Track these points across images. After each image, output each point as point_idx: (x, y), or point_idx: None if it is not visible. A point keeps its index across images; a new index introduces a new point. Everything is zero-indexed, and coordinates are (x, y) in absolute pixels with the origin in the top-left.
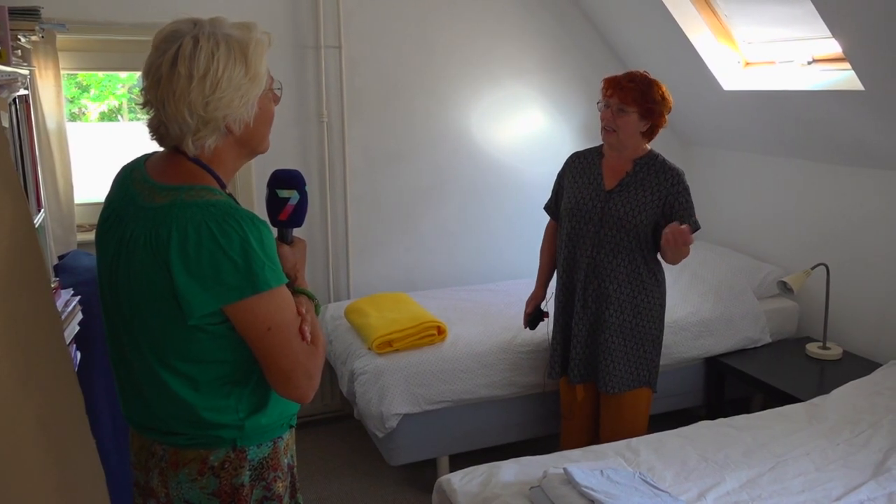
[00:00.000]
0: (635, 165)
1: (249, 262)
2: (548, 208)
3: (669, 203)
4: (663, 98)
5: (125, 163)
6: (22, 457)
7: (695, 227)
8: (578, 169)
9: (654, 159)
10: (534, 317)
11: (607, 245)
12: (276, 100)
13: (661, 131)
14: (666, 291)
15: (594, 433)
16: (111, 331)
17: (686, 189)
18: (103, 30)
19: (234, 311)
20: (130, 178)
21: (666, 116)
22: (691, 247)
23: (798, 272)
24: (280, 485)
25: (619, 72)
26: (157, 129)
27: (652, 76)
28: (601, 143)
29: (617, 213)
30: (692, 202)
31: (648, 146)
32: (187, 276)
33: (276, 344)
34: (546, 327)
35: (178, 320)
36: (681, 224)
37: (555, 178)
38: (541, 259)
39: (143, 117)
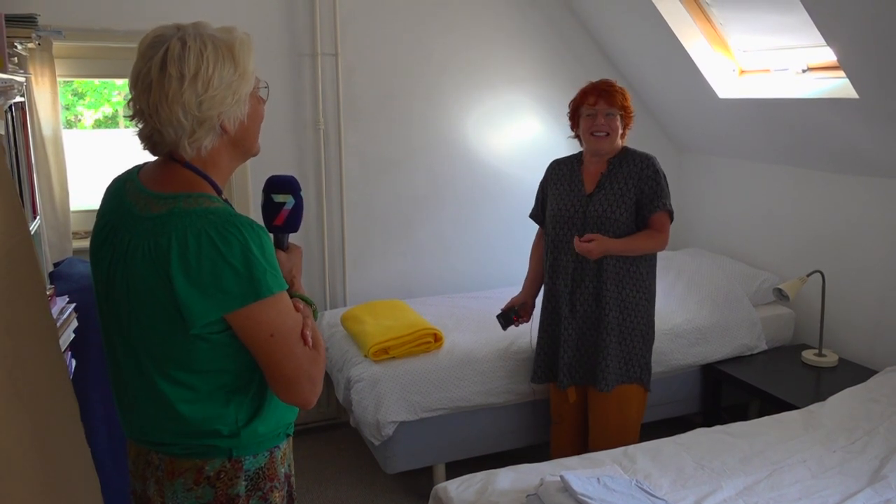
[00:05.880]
0: (609, 164)
1: (251, 269)
2: (534, 216)
3: (640, 187)
4: (629, 103)
5: (117, 174)
6: (15, 464)
7: (666, 209)
8: (559, 176)
9: (625, 153)
10: (504, 317)
11: None
12: (262, 101)
13: (656, 138)
14: (654, 287)
15: (585, 439)
16: (108, 344)
17: (657, 172)
18: (100, 37)
19: (237, 319)
20: (124, 189)
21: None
22: (687, 253)
23: (793, 279)
24: (277, 495)
25: (615, 79)
26: (150, 138)
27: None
28: (580, 150)
29: (596, 213)
30: (665, 187)
31: (622, 144)
32: (188, 285)
33: (278, 350)
34: (529, 333)
35: (180, 330)
36: (652, 207)
37: None
38: (529, 265)
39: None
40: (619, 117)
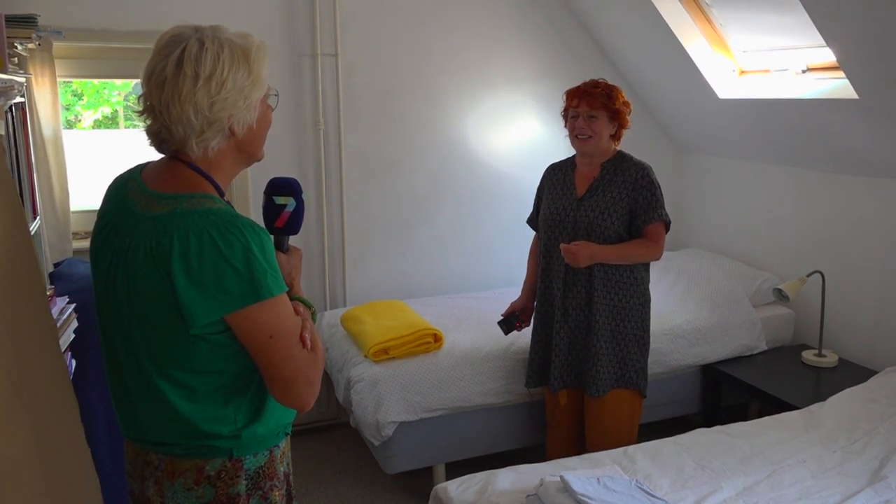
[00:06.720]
0: (603, 169)
1: (252, 270)
2: (531, 221)
3: (634, 198)
4: (625, 103)
5: (119, 173)
6: (15, 465)
7: (661, 220)
8: (554, 180)
9: (621, 159)
10: (506, 322)
11: None
12: (271, 109)
13: (656, 138)
14: (648, 292)
15: (581, 442)
16: (107, 344)
17: (651, 183)
18: (100, 37)
19: (237, 320)
20: (126, 189)
21: (628, 118)
22: (687, 253)
23: (793, 280)
24: (276, 493)
25: (615, 79)
26: (158, 134)
27: (610, 82)
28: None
29: (586, 218)
30: (660, 197)
31: (616, 148)
32: (189, 285)
33: (277, 352)
34: (529, 335)
35: (180, 330)
36: (647, 218)
37: None
38: (527, 269)
39: (141, 124)
40: (606, 118)
